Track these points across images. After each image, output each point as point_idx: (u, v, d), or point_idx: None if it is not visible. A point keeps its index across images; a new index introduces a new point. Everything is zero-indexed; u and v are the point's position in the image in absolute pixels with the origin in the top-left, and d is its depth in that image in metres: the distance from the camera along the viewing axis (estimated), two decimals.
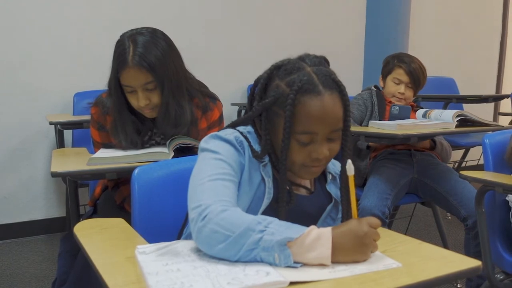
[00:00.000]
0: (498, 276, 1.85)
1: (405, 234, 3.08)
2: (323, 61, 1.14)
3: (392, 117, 2.54)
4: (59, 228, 3.35)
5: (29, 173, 3.31)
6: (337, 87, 1.08)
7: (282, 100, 1.07)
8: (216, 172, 1.05)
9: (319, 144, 1.08)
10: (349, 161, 1.01)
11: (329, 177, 1.22)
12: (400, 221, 3.36)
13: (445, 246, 2.80)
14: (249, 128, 1.18)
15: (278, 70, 1.12)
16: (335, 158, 1.18)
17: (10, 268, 2.85)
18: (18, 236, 3.31)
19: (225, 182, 1.04)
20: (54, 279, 1.95)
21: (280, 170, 1.10)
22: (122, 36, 1.70)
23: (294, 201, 1.12)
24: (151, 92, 1.68)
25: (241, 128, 1.17)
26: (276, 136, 1.11)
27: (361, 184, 2.59)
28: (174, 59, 1.72)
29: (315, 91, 1.05)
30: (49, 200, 3.39)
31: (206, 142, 1.12)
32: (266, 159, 1.13)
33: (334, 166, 1.23)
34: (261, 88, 1.13)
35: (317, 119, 1.05)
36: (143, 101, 1.68)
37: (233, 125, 1.18)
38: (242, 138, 1.12)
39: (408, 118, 2.53)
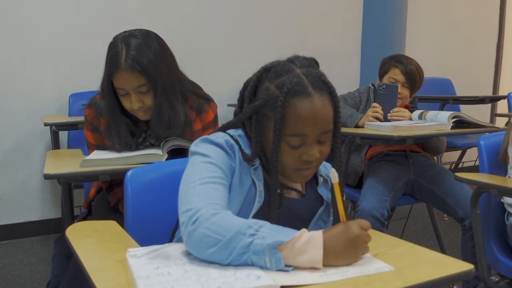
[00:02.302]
0: (493, 278, 1.85)
1: (402, 235, 3.10)
2: (312, 63, 1.13)
3: (379, 97, 2.52)
4: (55, 229, 3.34)
5: (25, 174, 3.31)
6: (327, 88, 1.08)
7: (272, 102, 1.06)
8: (207, 175, 1.04)
9: (309, 146, 1.07)
10: (333, 169, 1.00)
11: (321, 180, 1.22)
12: (397, 222, 3.36)
13: (441, 247, 2.80)
14: (239, 131, 1.17)
15: (267, 72, 1.11)
16: (327, 160, 1.18)
17: (5, 269, 2.84)
18: (14, 237, 3.30)
19: (216, 185, 1.04)
20: (48, 281, 1.95)
21: (271, 173, 1.09)
22: (115, 38, 1.69)
23: (285, 204, 1.12)
24: (145, 94, 1.68)
25: (232, 132, 1.16)
26: (267, 139, 1.10)
27: (355, 183, 2.59)
28: (167, 61, 1.71)
29: (305, 93, 1.05)
30: (44, 201, 3.39)
31: (197, 146, 1.12)
32: (257, 162, 1.12)
33: (326, 168, 1.22)
34: (250, 91, 1.12)
35: (307, 121, 1.05)
36: (136, 103, 1.67)
37: (223, 129, 1.18)
38: (232, 141, 1.11)
39: (395, 97, 2.50)
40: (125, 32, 1.70)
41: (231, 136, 1.13)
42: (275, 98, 1.05)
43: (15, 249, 3.16)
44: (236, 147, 1.11)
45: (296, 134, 1.06)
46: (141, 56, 1.63)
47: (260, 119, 1.10)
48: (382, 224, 2.23)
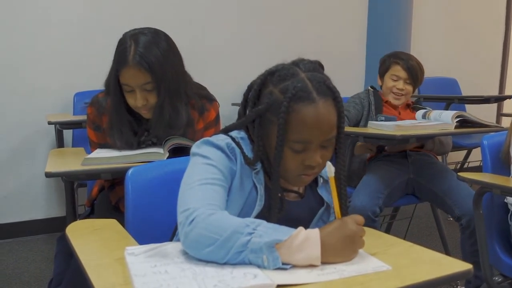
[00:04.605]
0: (496, 278, 1.83)
1: (405, 235, 3.08)
2: (317, 67, 1.12)
3: None
4: (59, 228, 3.34)
5: (30, 172, 3.32)
6: (332, 94, 1.06)
7: (276, 107, 1.05)
8: (206, 176, 1.04)
9: (313, 152, 1.07)
10: (329, 163, 1.00)
11: (320, 180, 1.21)
12: (401, 222, 3.35)
13: (445, 247, 2.79)
14: (242, 133, 1.16)
15: (272, 76, 1.10)
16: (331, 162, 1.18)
17: (10, 267, 2.86)
18: (18, 235, 3.32)
19: (215, 187, 1.04)
20: (50, 279, 1.95)
21: (272, 177, 1.09)
22: (124, 35, 1.70)
23: (285, 208, 1.12)
24: (149, 92, 1.68)
25: (234, 133, 1.16)
26: (269, 143, 1.09)
27: (356, 184, 2.58)
28: (174, 61, 1.72)
29: (309, 99, 1.03)
30: (49, 199, 3.40)
31: (198, 147, 1.12)
32: (259, 166, 1.12)
33: (325, 170, 1.22)
34: (254, 94, 1.11)
35: (311, 128, 1.04)
36: (141, 101, 1.68)
37: (226, 131, 1.17)
38: (234, 144, 1.11)
39: None
40: (134, 29, 1.72)
41: (233, 139, 1.12)
42: (278, 103, 1.04)
43: (20, 247, 3.17)
44: (237, 150, 1.11)
45: (300, 140, 1.05)
46: (149, 54, 1.64)
47: (263, 123, 1.10)
48: (372, 221, 2.22)
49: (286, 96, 1.03)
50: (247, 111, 1.12)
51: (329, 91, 1.06)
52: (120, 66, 1.65)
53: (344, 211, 1.06)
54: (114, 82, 1.69)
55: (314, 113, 1.03)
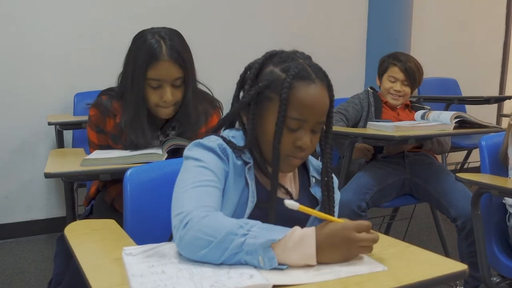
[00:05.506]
0: (494, 279, 1.84)
1: (405, 236, 3.08)
2: (312, 59, 1.16)
3: None
4: (60, 228, 3.32)
5: (30, 173, 3.33)
6: (327, 81, 1.12)
7: (277, 84, 1.08)
8: (199, 179, 1.05)
9: (304, 133, 1.09)
10: (286, 201, 0.96)
11: (313, 180, 1.22)
12: (401, 223, 3.35)
13: (444, 247, 2.79)
14: (233, 132, 1.18)
15: (272, 57, 1.14)
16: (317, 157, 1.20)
17: (10, 267, 2.87)
18: (19, 235, 3.33)
19: (208, 188, 1.04)
20: (50, 279, 1.96)
21: (273, 155, 1.09)
22: (144, 33, 1.71)
23: (276, 198, 1.12)
24: (176, 88, 1.70)
25: (225, 133, 1.17)
26: (264, 123, 1.11)
27: None
28: (192, 60, 1.76)
29: (309, 79, 1.08)
30: (49, 200, 3.41)
31: (190, 150, 1.13)
32: (251, 161, 1.13)
33: (318, 166, 1.23)
34: (254, 73, 1.13)
35: (309, 106, 1.08)
36: (170, 96, 1.68)
37: (224, 120, 1.19)
38: (225, 145, 1.12)
39: None
40: (152, 28, 1.73)
41: (224, 139, 1.13)
42: (280, 80, 1.08)
43: (20, 247, 3.18)
44: (229, 150, 1.12)
45: (297, 117, 1.08)
46: (181, 49, 1.68)
47: (260, 101, 1.12)
48: (358, 216, 2.23)
49: (289, 74, 1.08)
50: (245, 91, 1.13)
51: (325, 78, 1.12)
52: (152, 61, 1.65)
53: (332, 210, 1.12)
54: (139, 79, 1.67)
55: (313, 93, 1.08)
